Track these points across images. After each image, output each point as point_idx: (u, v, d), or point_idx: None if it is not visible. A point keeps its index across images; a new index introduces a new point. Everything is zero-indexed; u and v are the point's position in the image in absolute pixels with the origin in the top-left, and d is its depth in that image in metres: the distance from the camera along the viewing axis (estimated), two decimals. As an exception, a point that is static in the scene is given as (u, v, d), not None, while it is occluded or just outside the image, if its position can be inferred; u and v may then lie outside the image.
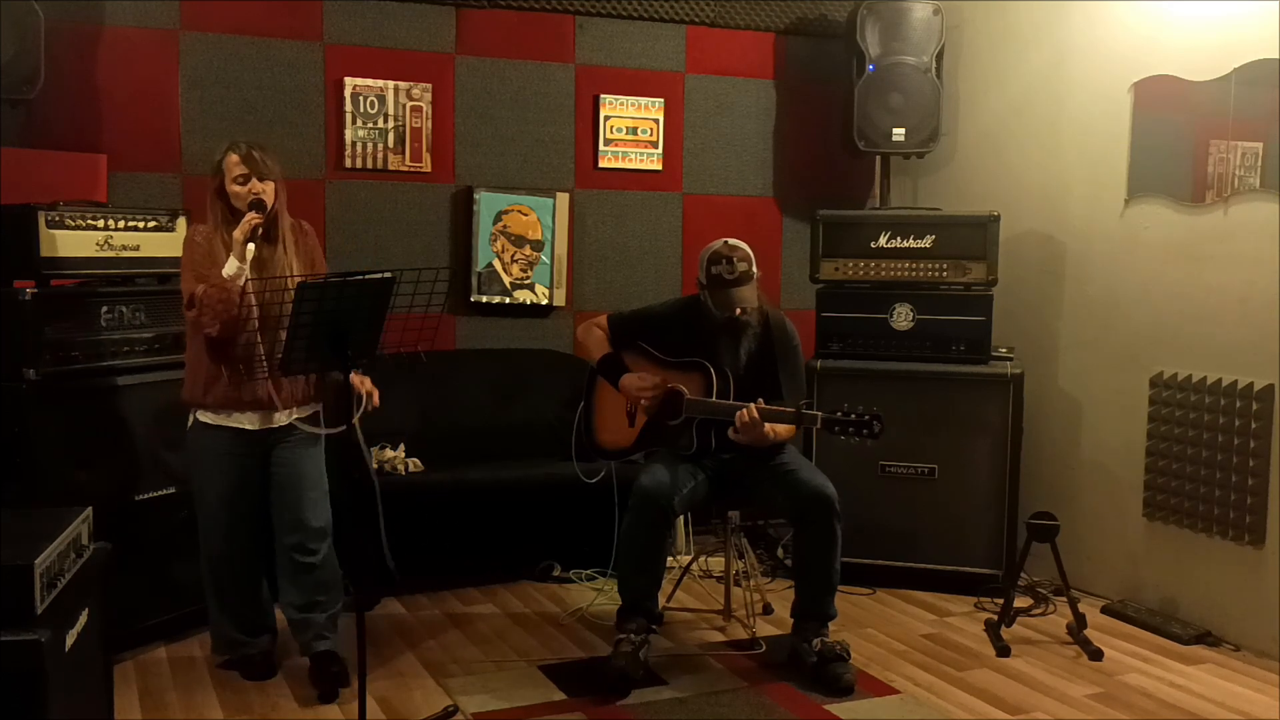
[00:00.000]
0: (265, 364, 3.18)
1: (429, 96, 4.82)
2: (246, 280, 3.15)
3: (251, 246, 3.20)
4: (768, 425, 3.56)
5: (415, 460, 4.41)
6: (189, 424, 3.42)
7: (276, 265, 3.31)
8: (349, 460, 3.56)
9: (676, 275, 5.28)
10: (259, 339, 3.19)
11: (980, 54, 5.06)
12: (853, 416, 3.46)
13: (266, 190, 3.29)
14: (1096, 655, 3.79)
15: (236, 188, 3.27)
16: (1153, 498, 4.22)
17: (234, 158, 3.29)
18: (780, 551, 4.77)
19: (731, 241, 3.70)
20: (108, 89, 4.32)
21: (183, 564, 3.76)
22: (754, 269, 3.67)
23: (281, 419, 3.39)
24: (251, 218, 3.22)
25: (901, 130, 4.90)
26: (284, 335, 2.94)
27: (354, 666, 3.10)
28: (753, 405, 3.52)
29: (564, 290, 5.09)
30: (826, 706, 3.35)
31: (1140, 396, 4.26)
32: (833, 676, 3.45)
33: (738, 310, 3.66)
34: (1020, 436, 4.43)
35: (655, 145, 5.23)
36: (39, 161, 4.01)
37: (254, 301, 3.14)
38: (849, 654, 3.56)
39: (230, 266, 3.19)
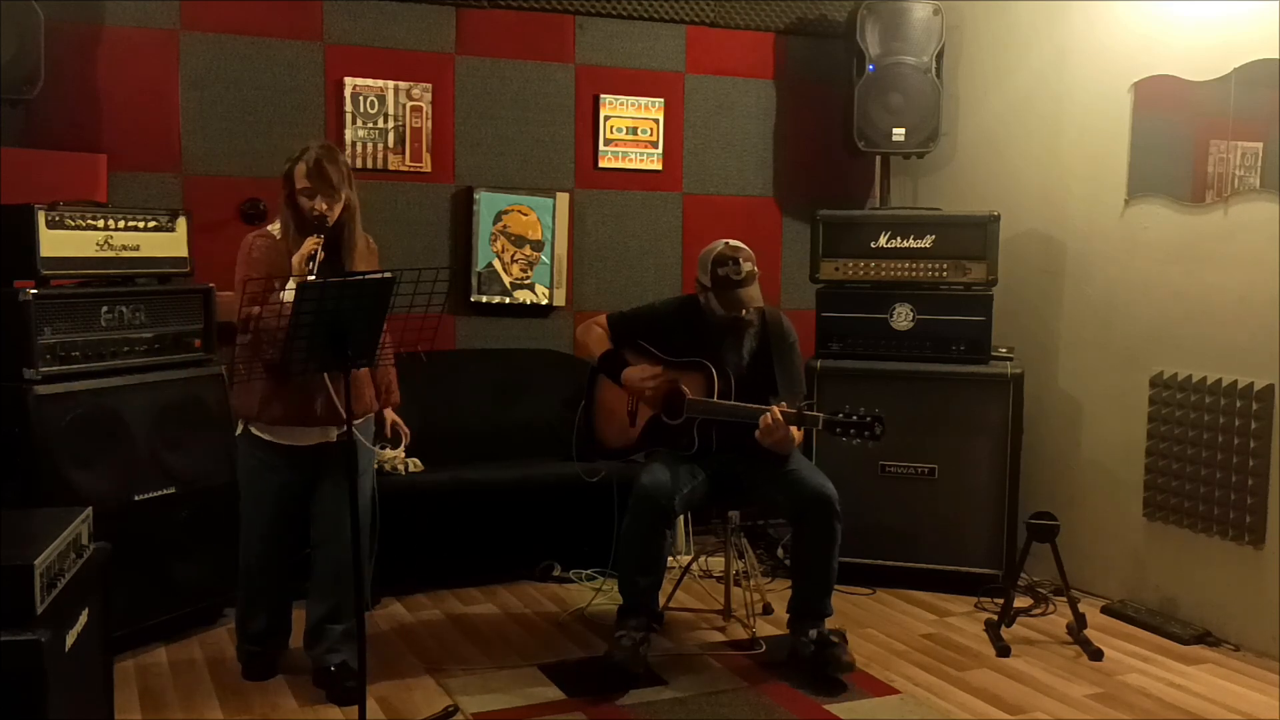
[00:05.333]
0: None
1: (429, 96, 4.82)
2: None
3: (313, 278, 3.05)
4: (791, 429, 3.56)
5: (415, 460, 4.41)
6: (238, 431, 3.38)
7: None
8: (349, 462, 3.55)
9: (676, 275, 5.28)
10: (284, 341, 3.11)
11: (980, 54, 5.06)
12: (854, 418, 3.46)
13: (333, 210, 3.19)
14: (1096, 655, 3.79)
15: (302, 200, 3.19)
16: (1153, 498, 4.22)
17: (302, 168, 3.18)
18: (780, 551, 4.77)
19: (733, 243, 3.71)
20: (108, 89, 4.32)
21: (183, 564, 3.77)
22: (755, 267, 3.68)
23: (336, 433, 3.32)
24: (310, 243, 3.10)
25: (901, 130, 4.90)
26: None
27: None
28: (775, 408, 3.51)
29: (564, 290, 5.09)
30: (826, 706, 3.35)
31: (1140, 396, 4.26)
32: (831, 659, 3.46)
33: (744, 310, 3.66)
34: (1020, 436, 4.43)
35: (655, 145, 5.23)
36: (39, 161, 4.02)
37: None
38: (845, 638, 3.56)
39: (290, 294, 3.02)
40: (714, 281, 3.66)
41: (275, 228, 3.33)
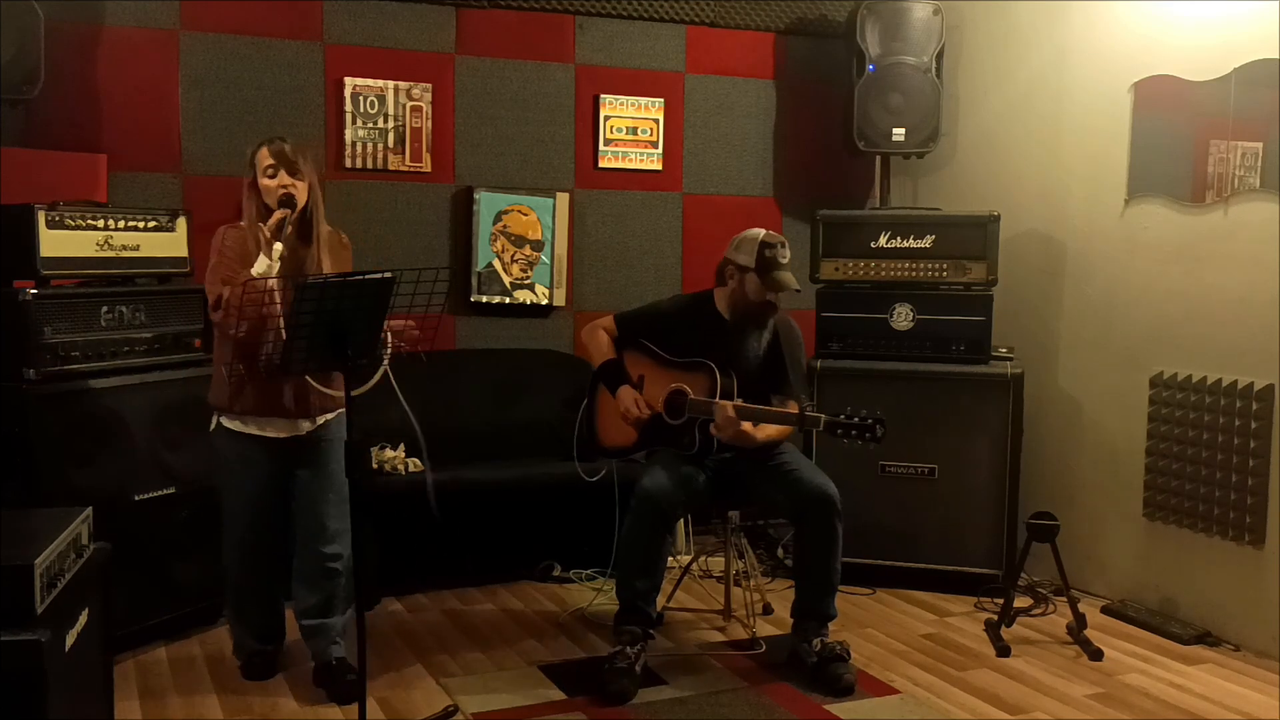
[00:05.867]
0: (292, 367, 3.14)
1: (429, 96, 4.82)
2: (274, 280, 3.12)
3: (279, 245, 3.14)
4: (763, 428, 3.58)
5: (415, 460, 4.41)
6: (212, 426, 3.39)
7: (310, 267, 3.26)
8: (350, 462, 3.55)
9: (676, 275, 5.28)
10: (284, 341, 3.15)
11: (980, 54, 5.06)
12: (855, 420, 3.46)
13: (298, 187, 3.24)
14: (1096, 655, 3.79)
15: (266, 181, 3.24)
16: (1153, 498, 4.22)
17: (265, 151, 3.26)
18: (780, 551, 4.77)
19: (773, 232, 3.76)
20: (108, 89, 4.32)
21: (183, 564, 3.77)
22: None
23: (306, 426, 3.36)
24: (280, 213, 3.18)
25: (901, 130, 4.90)
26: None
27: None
28: (728, 404, 3.54)
29: (564, 290, 5.09)
30: (826, 706, 3.35)
31: (1140, 396, 4.26)
32: (833, 677, 3.46)
33: (779, 295, 3.69)
34: (1020, 436, 4.43)
35: (655, 145, 5.23)
36: (39, 161, 4.01)
37: (278, 301, 3.08)
38: (849, 654, 3.56)
39: (260, 265, 3.13)
40: (760, 262, 3.66)
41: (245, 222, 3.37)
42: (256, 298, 3.06)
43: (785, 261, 3.68)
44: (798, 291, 3.76)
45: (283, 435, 3.35)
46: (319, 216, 3.34)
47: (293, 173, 3.24)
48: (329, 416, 3.41)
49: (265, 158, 3.25)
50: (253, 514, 3.40)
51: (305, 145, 3.34)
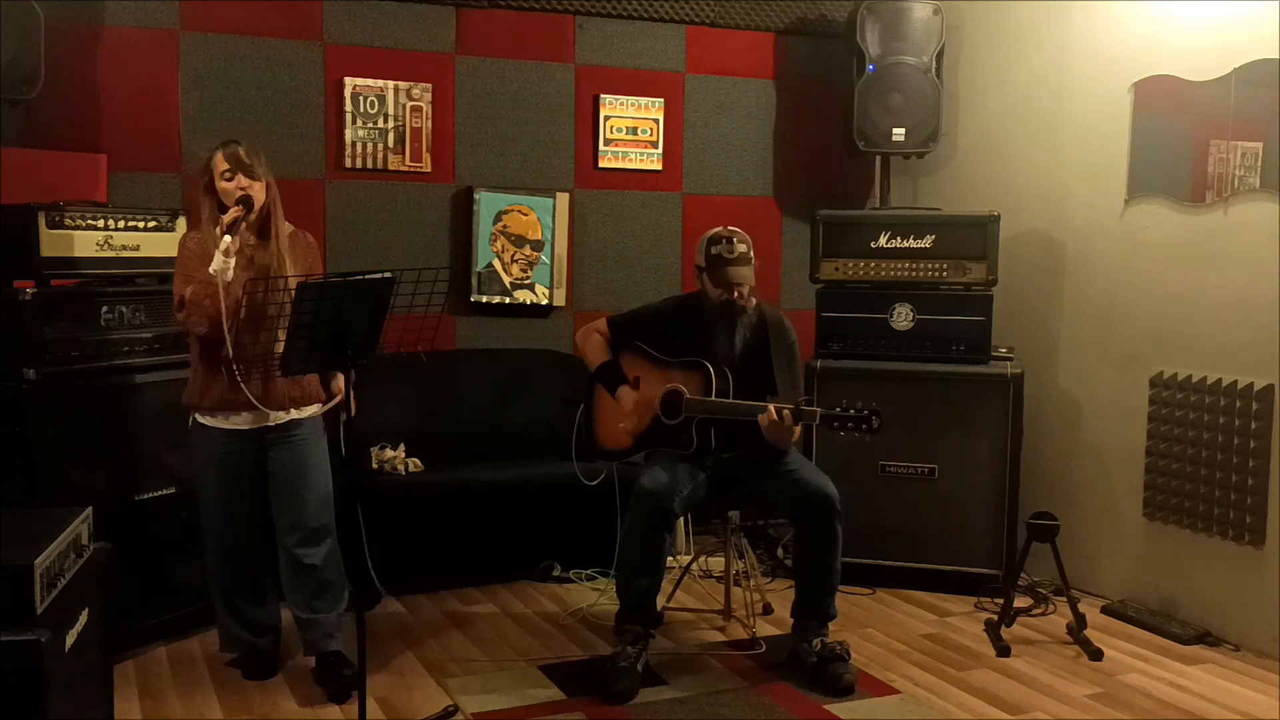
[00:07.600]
0: (261, 363, 3.18)
1: (429, 96, 4.82)
2: (234, 279, 3.15)
3: (228, 239, 3.15)
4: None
5: (415, 460, 4.41)
6: (189, 424, 3.43)
7: (268, 264, 3.30)
8: (347, 464, 3.55)
9: (676, 275, 5.28)
10: (244, 338, 3.20)
11: (980, 54, 5.06)
12: (851, 412, 3.46)
13: (255, 188, 3.28)
14: (1096, 655, 3.79)
15: (224, 184, 3.28)
16: (1153, 498, 4.22)
17: (220, 155, 3.30)
18: (780, 551, 4.77)
19: (730, 226, 3.75)
20: (108, 89, 4.32)
21: (183, 564, 3.76)
22: (752, 253, 3.70)
23: (281, 417, 3.39)
24: (234, 211, 3.22)
25: (901, 130, 4.90)
26: (281, 334, 2.95)
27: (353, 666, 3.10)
28: (772, 407, 3.51)
29: (564, 290, 5.09)
30: (826, 706, 3.35)
31: (1140, 396, 4.26)
32: (833, 677, 3.46)
33: (735, 292, 3.67)
34: (1020, 436, 4.43)
35: (655, 145, 5.23)
36: (39, 161, 4.01)
37: (241, 300, 3.14)
38: (849, 654, 3.56)
39: (216, 262, 3.16)
40: (708, 260, 3.69)
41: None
42: (214, 292, 3.13)
43: (733, 256, 3.67)
44: (750, 287, 3.71)
45: (254, 427, 3.38)
46: (278, 216, 3.37)
47: (249, 175, 3.28)
48: (304, 413, 3.44)
49: (220, 162, 3.29)
50: (229, 508, 3.42)
51: (258, 148, 3.37)
